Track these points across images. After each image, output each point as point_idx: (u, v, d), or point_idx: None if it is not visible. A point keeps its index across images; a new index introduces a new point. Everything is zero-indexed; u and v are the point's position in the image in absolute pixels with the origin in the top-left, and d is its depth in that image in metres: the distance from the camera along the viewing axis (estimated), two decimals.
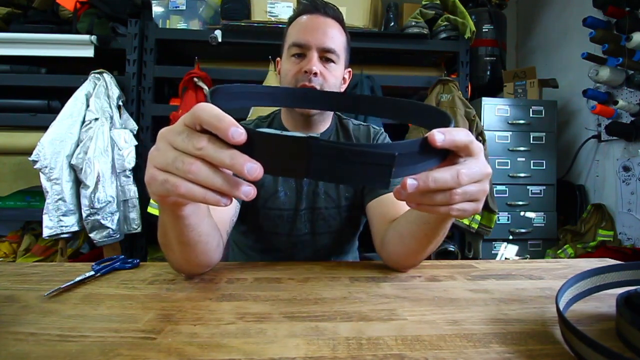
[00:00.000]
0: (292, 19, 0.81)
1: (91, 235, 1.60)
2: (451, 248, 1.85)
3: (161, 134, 0.34)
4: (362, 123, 0.90)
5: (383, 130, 0.89)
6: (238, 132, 0.29)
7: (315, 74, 0.74)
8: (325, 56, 0.76)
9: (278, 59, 0.85)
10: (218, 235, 0.57)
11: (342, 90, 0.84)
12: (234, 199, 0.57)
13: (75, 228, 1.60)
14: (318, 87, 0.75)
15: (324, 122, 0.84)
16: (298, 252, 0.84)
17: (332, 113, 0.86)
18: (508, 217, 1.99)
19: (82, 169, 1.57)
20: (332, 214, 0.81)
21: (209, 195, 0.32)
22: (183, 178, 0.31)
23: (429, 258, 0.63)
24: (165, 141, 0.33)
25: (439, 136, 0.32)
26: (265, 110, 0.93)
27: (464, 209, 0.37)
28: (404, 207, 0.68)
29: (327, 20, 0.77)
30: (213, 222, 0.55)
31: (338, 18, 0.79)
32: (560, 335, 0.37)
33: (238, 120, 0.30)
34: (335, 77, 0.78)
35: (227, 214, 0.68)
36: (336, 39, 0.77)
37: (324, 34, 0.76)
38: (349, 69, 0.86)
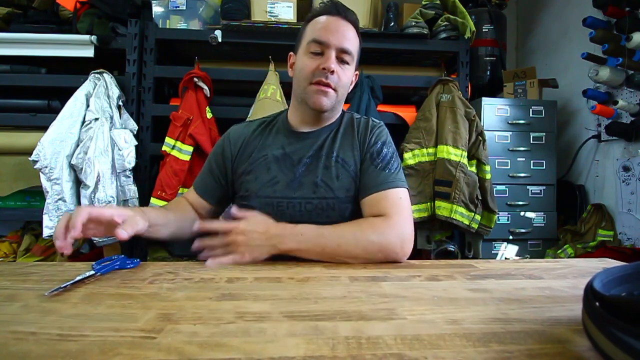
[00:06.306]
0: (311, 17, 0.85)
1: None
2: (451, 248, 1.84)
3: None
4: (363, 116, 0.93)
5: (383, 124, 0.92)
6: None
7: (333, 72, 0.80)
8: (342, 57, 0.82)
9: (291, 53, 0.90)
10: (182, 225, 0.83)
11: (350, 90, 0.89)
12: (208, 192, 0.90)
13: None
14: (333, 85, 0.81)
15: (333, 117, 0.90)
16: None
17: (341, 107, 0.90)
18: (508, 217, 1.99)
19: (82, 169, 1.56)
20: (330, 205, 0.82)
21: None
22: None
23: (428, 258, 0.64)
24: None
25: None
26: (267, 112, 0.95)
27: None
28: (386, 207, 0.76)
29: (346, 24, 0.83)
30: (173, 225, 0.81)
31: (355, 23, 0.85)
32: (559, 335, 0.37)
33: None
34: (347, 77, 0.84)
35: (188, 211, 0.88)
36: (353, 42, 0.83)
37: (344, 36, 0.81)
38: (357, 72, 0.91)
